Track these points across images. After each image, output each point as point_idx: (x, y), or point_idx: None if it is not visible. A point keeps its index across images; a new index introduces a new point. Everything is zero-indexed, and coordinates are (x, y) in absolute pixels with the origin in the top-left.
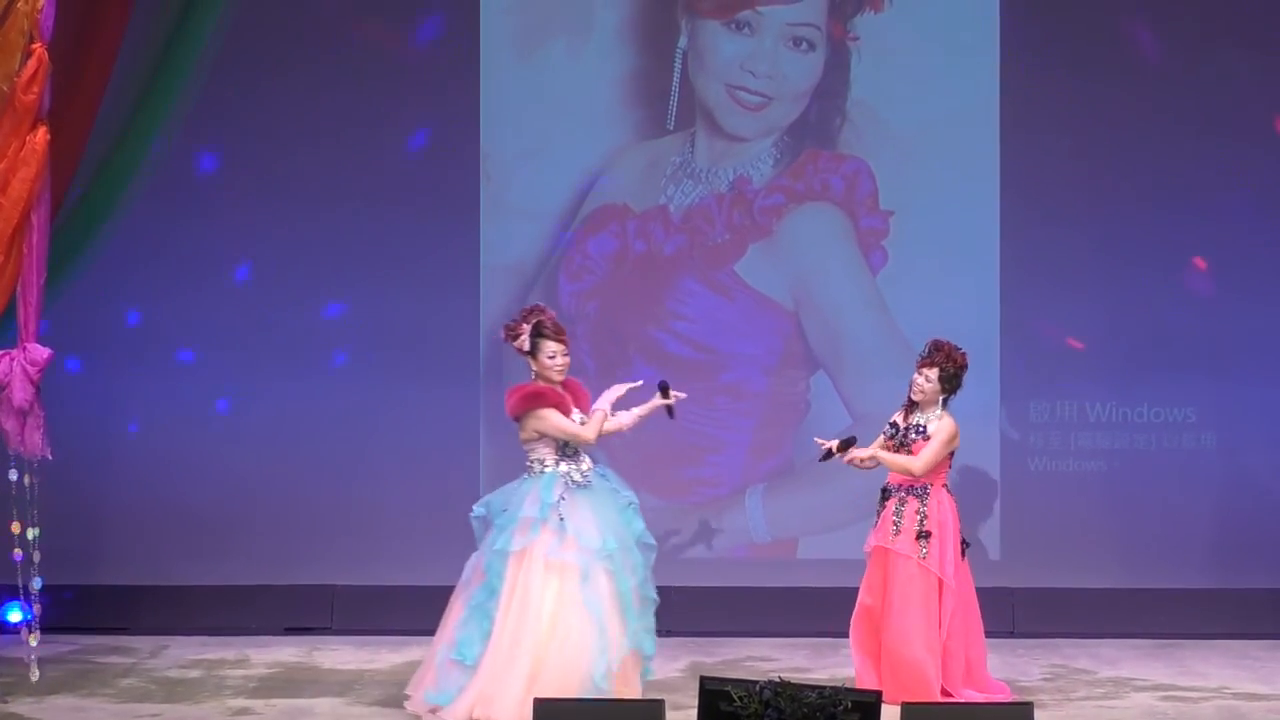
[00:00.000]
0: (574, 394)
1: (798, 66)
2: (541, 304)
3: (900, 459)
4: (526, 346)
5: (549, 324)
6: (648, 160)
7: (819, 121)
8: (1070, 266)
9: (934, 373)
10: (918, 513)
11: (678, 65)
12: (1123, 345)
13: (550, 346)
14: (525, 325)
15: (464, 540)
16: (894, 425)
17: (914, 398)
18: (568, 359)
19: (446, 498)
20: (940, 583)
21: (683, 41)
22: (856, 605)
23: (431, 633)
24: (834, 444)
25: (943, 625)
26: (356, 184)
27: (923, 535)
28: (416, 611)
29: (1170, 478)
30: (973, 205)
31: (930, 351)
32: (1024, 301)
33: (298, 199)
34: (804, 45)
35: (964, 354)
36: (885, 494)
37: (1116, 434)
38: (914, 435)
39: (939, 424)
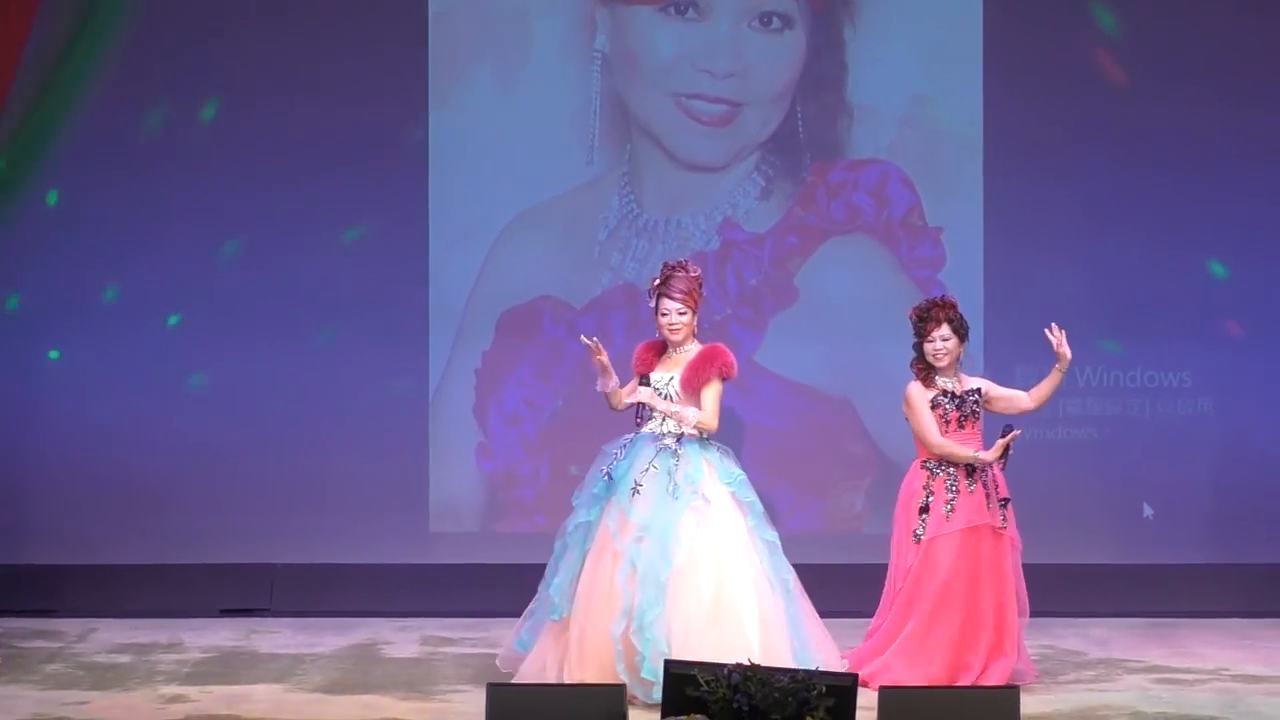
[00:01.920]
0: (689, 367)
1: (771, 54)
2: (686, 261)
3: (1038, 391)
4: (653, 303)
5: (674, 281)
6: (566, 222)
7: (816, 123)
8: (1057, 225)
9: (947, 329)
10: (994, 481)
11: (597, 75)
12: (1114, 306)
13: (664, 304)
14: (658, 281)
15: (412, 514)
16: (949, 395)
17: (941, 363)
18: (684, 319)
19: (393, 470)
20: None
21: (600, 41)
22: (941, 592)
23: (378, 613)
24: (1005, 442)
25: (1022, 603)
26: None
27: (1005, 502)
28: (361, 591)
29: (1165, 446)
30: (955, 162)
31: (926, 315)
32: (1009, 260)
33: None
34: (775, 23)
35: (951, 297)
36: (971, 469)
37: (1108, 400)
38: (975, 402)
39: (980, 382)
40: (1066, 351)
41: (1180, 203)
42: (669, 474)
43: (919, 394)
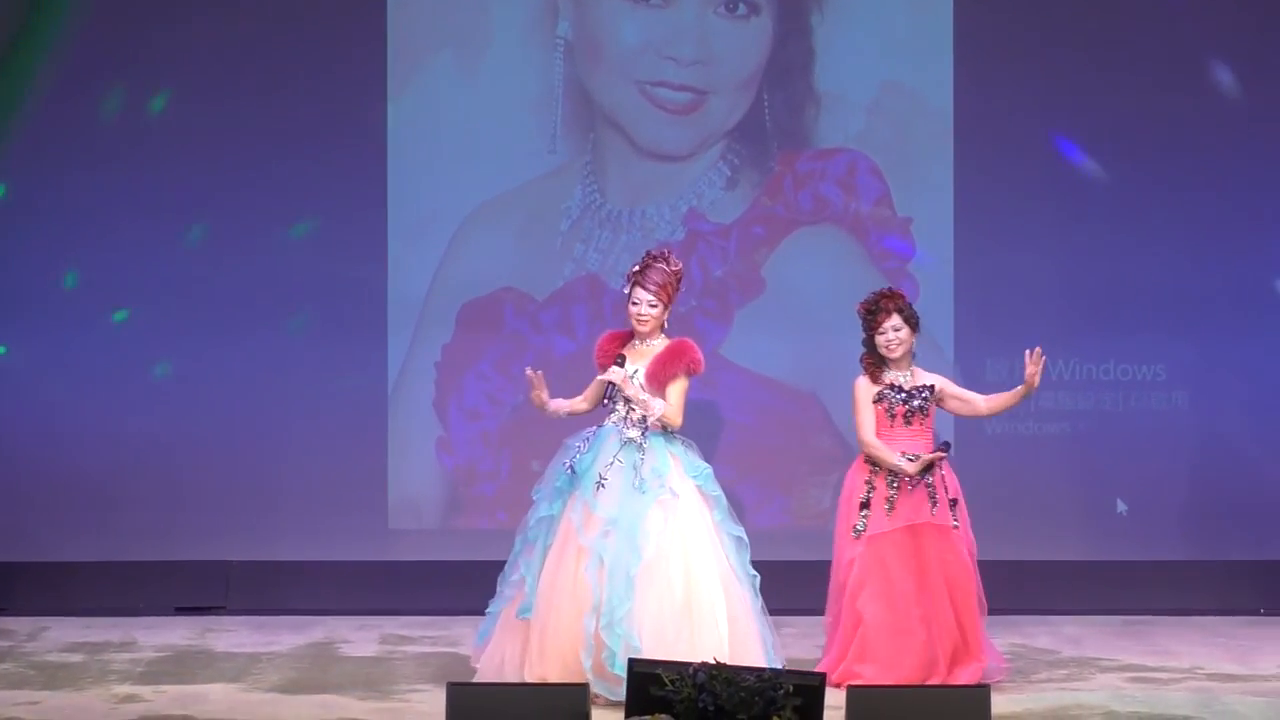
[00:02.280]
0: (655, 361)
1: (737, 40)
2: (668, 251)
3: (997, 400)
4: (627, 291)
5: (651, 271)
6: (528, 212)
7: (783, 112)
8: (1029, 216)
9: (898, 319)
10: (943, 479)
11: (559, 62)
12: (1086, 297)
13: (636, 293)
14: (637, 268)
15: (370, 510)
16: (897, 389)
17: (894, 355)
18: (654, 311)
19: (351, 466)
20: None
21: (563, 28)
22: (888, 591)
23: (336, 612)
24: (930, 459)
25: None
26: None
27: (954, 503)
28: (319, 589)
29: (1139, 441)
30: (925, 153)
31: (874, 308)
32: (980, 252)
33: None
34: (741, 9)
35: (897, 289)
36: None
37: (1080, 394)
38: (927, 397)
39: (934, 377)
40: (1035, 381)
41: (1155, 194)
42: (634, 468)
43: (863, 389)
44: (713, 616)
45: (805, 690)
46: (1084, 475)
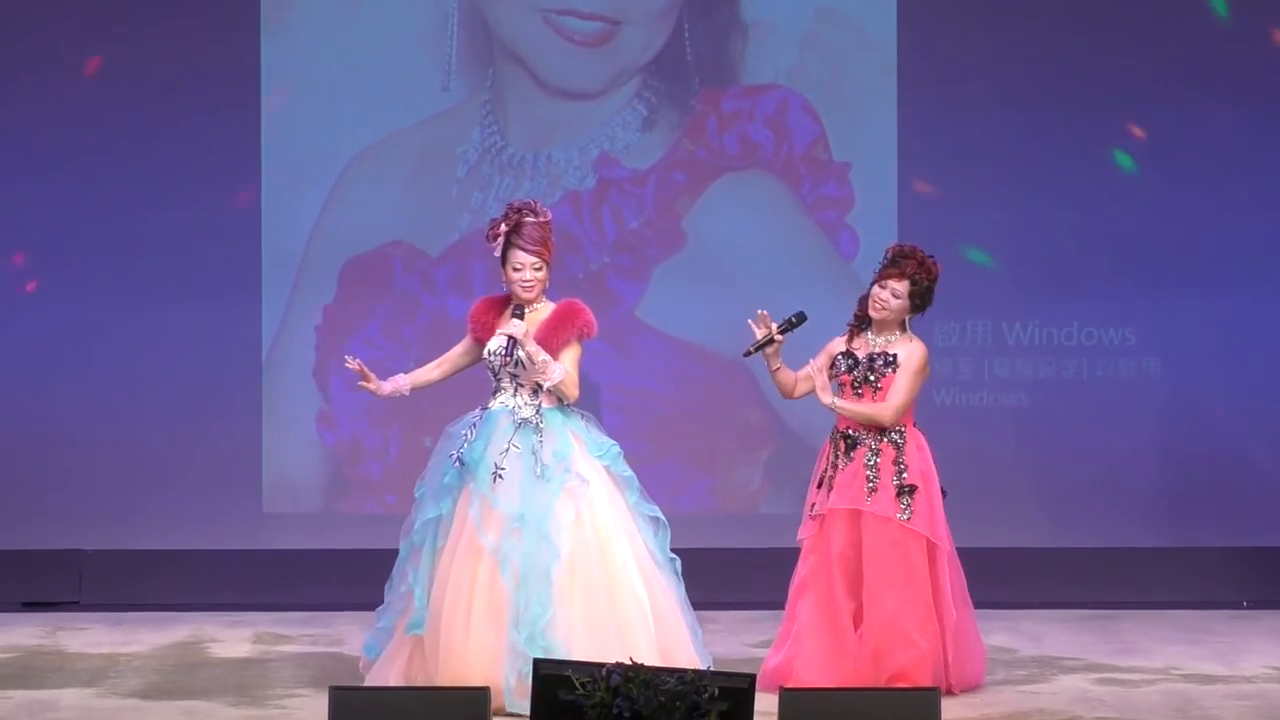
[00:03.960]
0: (543, 328)
1: None
2: (535, 201)
3: (866, 409)
4: (498, 253)
5: (527, 228)
6: (419, 157)
7: (706, 44)
8: (981, 160)
9: (904, 286)
10: (895, 463)
11: None
12: (1044, 251)
13: (516, 256)
14: (504, 227)
15: (242, 493)
16: (849, 356)
17: (875, 315)
18: (539, 274)
19: (220, 443)
20: (931, 546)
21: None
22: (803, 579)
23: (203, 607)
24: (774, 328)
25: (943, 600)
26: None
27: (905, 491)
28: (184, 582)
29: (1106, 413)
30: (866, 90)
31: (897, 259)
32: (927, 201)
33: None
34: None
35: (937, 263)
36: (850, 441)
37: (1040, 360)
38: (883, 367)
39: (909, 349)
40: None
41: (1120, 136)
42: (533, 453)
43: (829, 346)
44: (641, 615)
45: (732, 694)
46: (1044, 452)
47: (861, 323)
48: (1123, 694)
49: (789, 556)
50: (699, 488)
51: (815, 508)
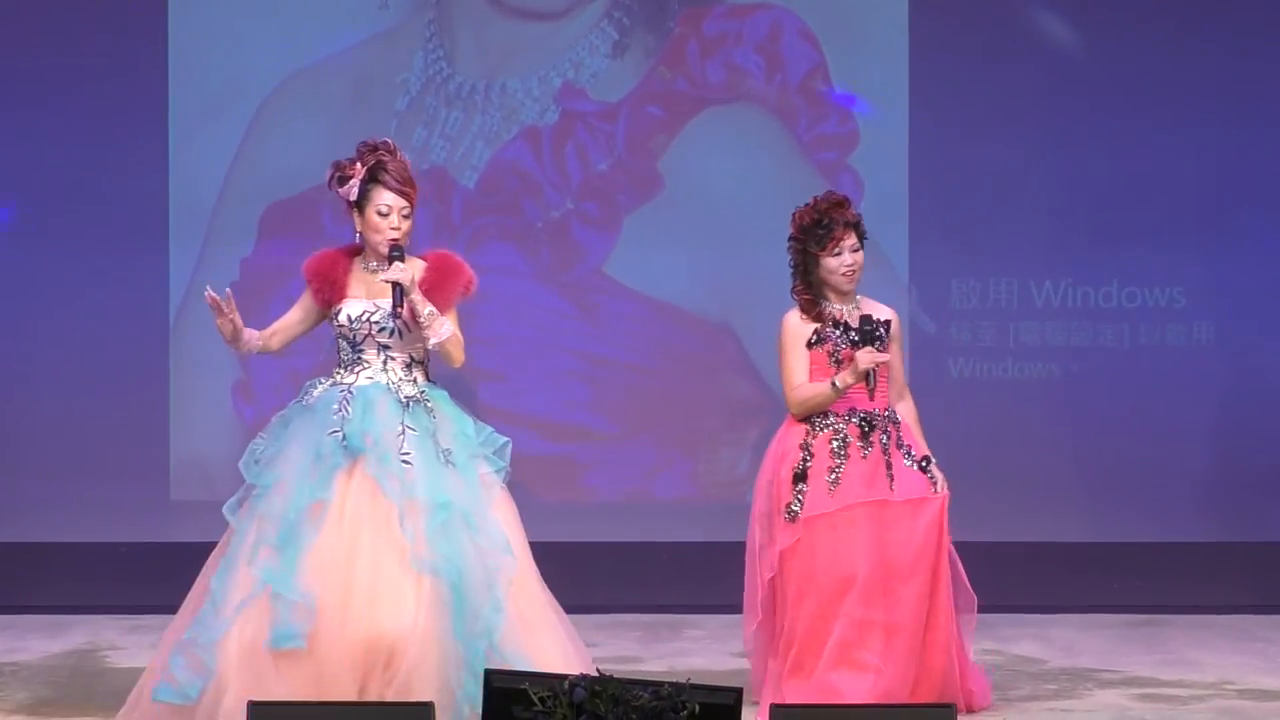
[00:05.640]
0: (422, 280)
1: None
2: (390, 140)
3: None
4: (354, 195)
5: (391, 164)
6: (352, 87)
7: None
8: (1006, 94)
9: (855, 238)
10: (900, 445)
11: None
12: (1081, 200)
13: (381, 196)
14: (360, 166)
15: (146, 476)
16: (841, 326)
17: (848, 285)
18: (409, 222)
19: (120, 418)
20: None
21: None
22: (837, 588)
23: (101, 609)
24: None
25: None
26: None
27: (924, 464)
28: (79, 580)
29: (1150, 386)
30: (872, 11)
31: (833, 213)
32: (942, 140)
33: None
34: None
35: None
36: (868, 424)
37: (1075, 325)
38: (884, 335)
39: (886, 311)
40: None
41: (1166, 68)
42: (432, 437)
43: (793, 328)
44: (563, 624)
45: (715, 710)
46: (1077, 431)
47: (818, 295)
48: (1168, 712)
49: None
50: (677, 472)
51: (804, 507)
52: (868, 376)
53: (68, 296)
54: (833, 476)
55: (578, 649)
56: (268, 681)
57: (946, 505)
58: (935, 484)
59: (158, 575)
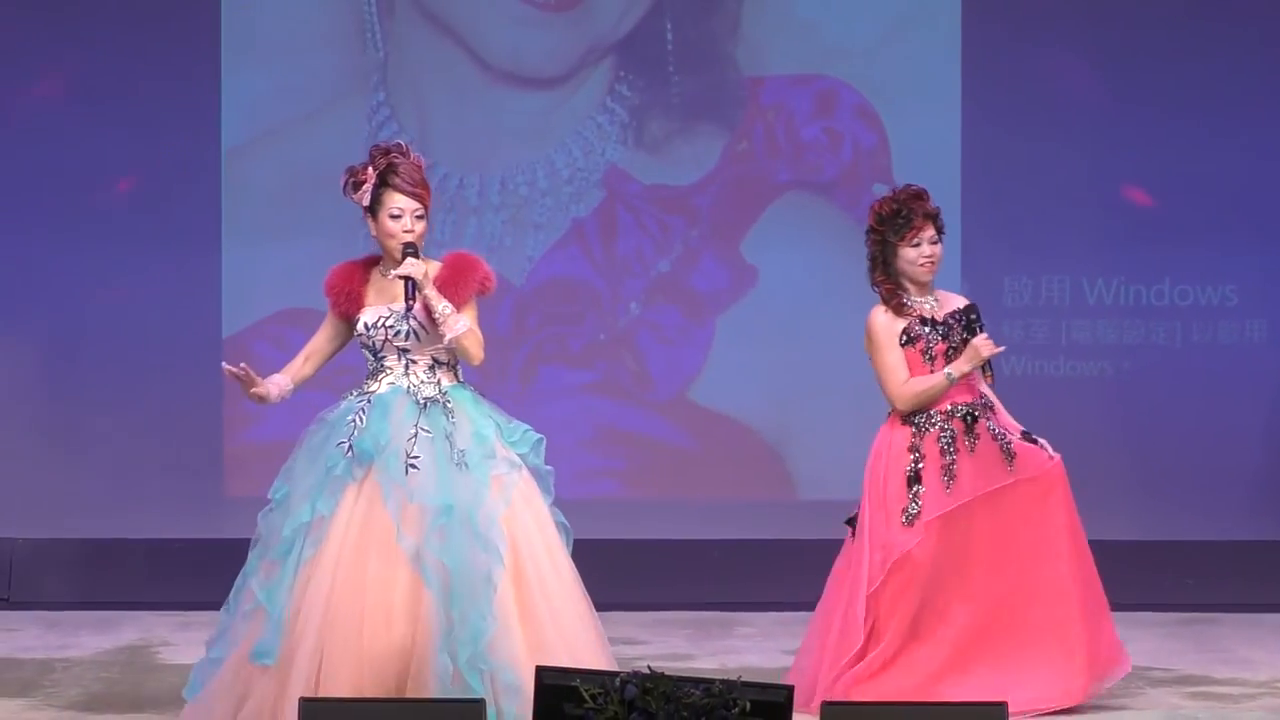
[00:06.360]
0: (439, 284)
1: None
2: (403, 143)
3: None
4: (367, 200)
5: (403, 167)
6: (309, 162)
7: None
8: (1057, 88)
9: (934, 231)
10: (996, 431)
11: None
12: (1132, 198)
13: (394, 200)
14: (371, 170)
15: (200, 472)
16: (929, 323)
17: (926, 276)
18: (423, 224)
19: (174, 415)
20: None
21: None
22: (966, 591)
23: (153, 605)
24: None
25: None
26: None
27: (1028, 435)
28: (131, 576)
29: (1203, 384)
30: (924, 20)
31: (912, 204)
32: (991, 134)
33: None
34: None
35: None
36: (972, 416)
37: (1127, 323)
38: (976, 324)
39: (968, 302)
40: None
41: (1219, 68)
42: (447, 438)
43: (884, 325)
44: (591, 633)
45: (767, 707)
46: (1129, 430)
47: (900, 292)
48: (1221, 711)
49: (834, 549)
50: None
51: (922, 510)
52: (985, 364)
53: (126, 292)
54: (947, 475)
55: (602, 652)
56: (234, 696)
57: (1065, 475)
58: (1046, 449)
59: (210, 572)
